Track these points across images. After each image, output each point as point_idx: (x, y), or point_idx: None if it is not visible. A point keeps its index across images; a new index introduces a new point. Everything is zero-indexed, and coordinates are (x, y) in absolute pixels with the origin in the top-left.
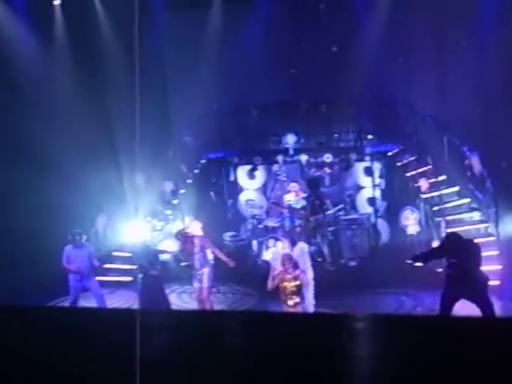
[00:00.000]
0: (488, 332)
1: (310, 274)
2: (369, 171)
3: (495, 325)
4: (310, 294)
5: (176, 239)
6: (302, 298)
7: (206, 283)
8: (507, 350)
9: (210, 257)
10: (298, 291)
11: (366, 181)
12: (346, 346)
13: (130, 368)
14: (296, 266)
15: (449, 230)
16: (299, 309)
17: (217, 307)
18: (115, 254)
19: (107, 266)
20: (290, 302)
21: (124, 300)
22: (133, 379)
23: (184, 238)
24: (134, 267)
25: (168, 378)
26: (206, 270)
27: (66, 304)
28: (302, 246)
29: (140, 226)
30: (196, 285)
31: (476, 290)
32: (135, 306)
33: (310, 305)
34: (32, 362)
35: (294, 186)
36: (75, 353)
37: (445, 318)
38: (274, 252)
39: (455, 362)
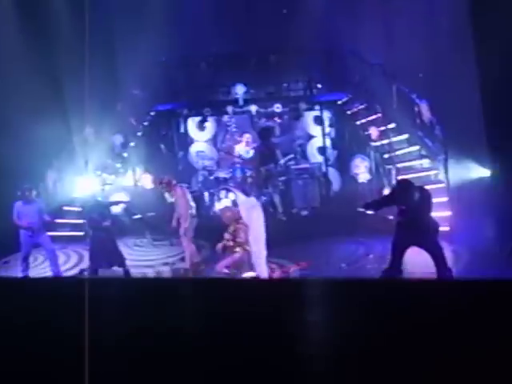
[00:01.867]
0: (435, 294)
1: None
2: (319, 120)
3: (443, 287)
4: (261, 245)
5: (161, 188)
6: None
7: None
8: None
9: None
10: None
11: (316, 130)
12: (296, 312)
13: (79, 339)
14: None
15: (399, 178)
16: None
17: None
18: (66, 208)
19: (58, 220)
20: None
21: (76, 255)
22: (81, 349)
23: (168, 186)
24: (85, 221)
25: (117, 347)
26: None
27: (18, 260)
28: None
29: (90, 180)
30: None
31: (427, 236)
32: (86, 261)
33: (261, 257)
34: None
35: (247, 136)
36: (22, 324)
37: (390, 280)
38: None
39: (403, 325)
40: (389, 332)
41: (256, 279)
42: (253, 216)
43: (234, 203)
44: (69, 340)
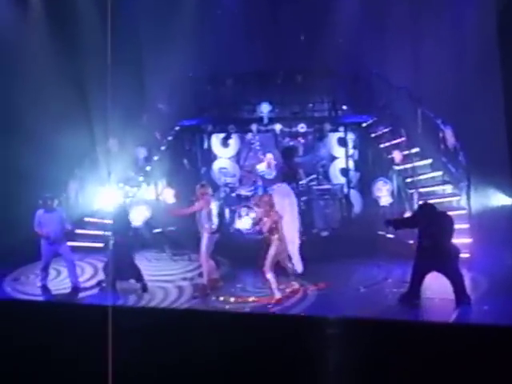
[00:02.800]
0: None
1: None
2: (342, 142)
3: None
4: (294, 233)
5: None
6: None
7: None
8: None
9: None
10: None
11: (339, 151)
12: (316, 350)
13: (103, 365)
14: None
15: (422, 201)
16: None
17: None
18: (87, 219)
19: (78, 231)
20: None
21: (94, 268)
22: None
23: (203, 193)
24: (106, 233)
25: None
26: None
27: (38, 269)
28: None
29: (112, 192)
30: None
31: (447, 262)
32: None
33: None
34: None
35: (269, 157)
36: (45, 349)
37: (409, 322)
38: None
39: (420, 367)
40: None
41: (276, 315)
42: (285, 203)
43: (255, 221)
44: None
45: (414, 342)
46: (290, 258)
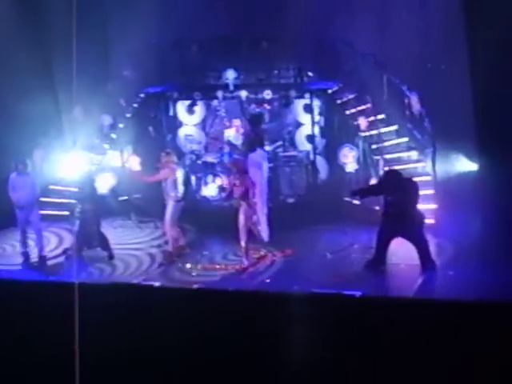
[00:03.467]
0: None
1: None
2: (308, 108)
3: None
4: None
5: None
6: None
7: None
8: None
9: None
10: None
11: (305, 118)
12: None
13: (70, 343)
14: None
15: (388, 168)
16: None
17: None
18: (52, 187)
19: (43, 199)
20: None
21: (59, 236)
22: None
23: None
24: (71, 201)
25: (107, 353)
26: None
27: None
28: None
29: (77, 160)
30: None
31: (412, 228)
32: (71, 241)
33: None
34: None
35: (236, 122)
36: (11, 327)
37: (369, 298)
38: None
39: (383, 343)
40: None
41: (246, 291)
42: (258, 170)
43: (221, 188)
44: (58, 345)
45: (380, 317)
46: (256, 226)
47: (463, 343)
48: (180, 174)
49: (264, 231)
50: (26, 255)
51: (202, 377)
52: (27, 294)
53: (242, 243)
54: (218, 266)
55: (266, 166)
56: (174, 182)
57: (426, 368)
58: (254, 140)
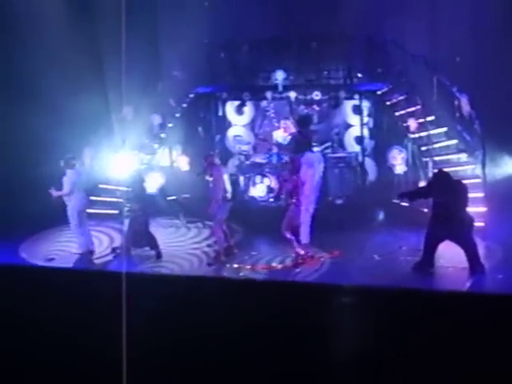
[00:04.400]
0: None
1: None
2: (357, 109)
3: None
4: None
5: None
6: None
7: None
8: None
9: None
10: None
11: (354, 119)
12: (328, 319)
13: (117, 332)
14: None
15: (436, 170)
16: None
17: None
18: (101, 186)
19: (93, 198)
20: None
21: (108, 235)
22: (119, 343)
23: (209, 165)
24: (120, 200)
25: (154, 344)
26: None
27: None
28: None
29: (127, 159)
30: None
31: (461, 230)
32: (120, 240)
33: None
34: (18, 322)
35: (285, 123)
36: (60, 315)
37: (420, 291)
38: None
39: (434, 336)
40: (411, 343)
41: (288, 282)
42: (309, 171)
43: (269, 189)
44: (106, 331)
45: (429, 310)
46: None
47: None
48: (227, 174)
49: (304, 233)
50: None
51: (249, 367)
52: (74, 282)
53: (287, 235)
54: (265, 267)
55: (319, 167)
56: (223, 182)
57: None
58: (301, 141)
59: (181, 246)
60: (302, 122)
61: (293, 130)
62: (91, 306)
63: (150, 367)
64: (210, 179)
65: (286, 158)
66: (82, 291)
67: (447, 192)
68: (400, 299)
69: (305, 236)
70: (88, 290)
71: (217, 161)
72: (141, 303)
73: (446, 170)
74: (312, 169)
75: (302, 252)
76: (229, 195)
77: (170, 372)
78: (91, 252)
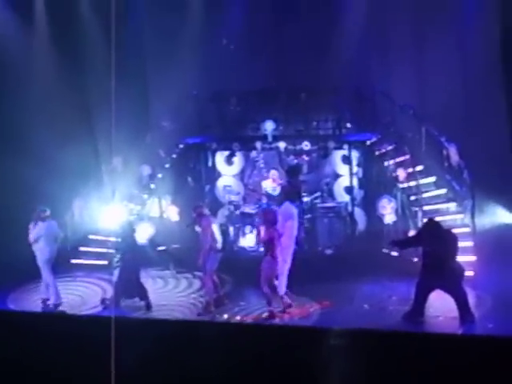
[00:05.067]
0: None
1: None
2: (347, 160)
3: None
4: (287, 255)
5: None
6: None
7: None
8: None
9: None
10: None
11: (343, 169)
12: (320, 361)
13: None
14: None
15: (426, 219)
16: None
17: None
18: (91, 237)
19: (83, 249)
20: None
21: (98, 285)
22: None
23: (198, 216)
24: (110, 251)
25: None
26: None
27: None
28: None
29: (117, 210)
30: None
31: (451, 280)
32: (110, 291)
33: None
34: (8, 366)
35: (273, 173)
36: (49, 359)
37: (420, 335)
38: None
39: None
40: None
41: (279, 325)
42: (287, 223)
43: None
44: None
45: (420, 353)
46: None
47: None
48: (216, 225)
49: (282, 284)
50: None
51: None
52: (64, 328)
53: (264, 290)
54: (255, 317)
55: (295, 219)
56: (211, 232)
57: None
58: (290, 191)
59: (171, 297)
60: (291, 173)
61: (279, 180)
62: (81, 350)
63: None
64: (199, 230)
65: (268, 208)
66: (71, 336)
67: (437, 241)
68: (391, 341)
69: (282, 287)
70: (78, 334)
71: (206, 211)
72: (130, 347)
73: (435, 219)
74: (291, 220)
75: (281, 305)
76: (218, 245)
77: None
78: (56, 305)
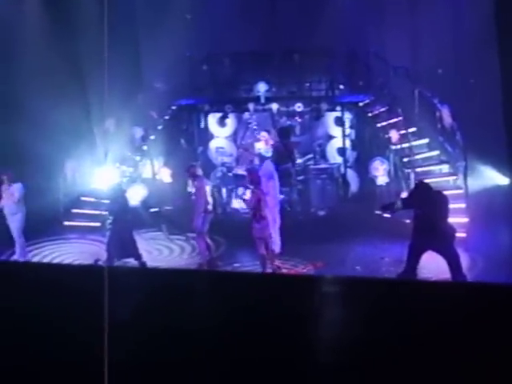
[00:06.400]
0: (451, 296)
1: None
2: (339, 121)
3: (460, 289)
4: (275, 213)
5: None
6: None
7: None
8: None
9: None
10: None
11: (336, 131)
12: (314, 309)
13: (99, 324)
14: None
15: (417, 181)
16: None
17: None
18: (83, 199)
19: (75, 211)
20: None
21: (92, 247)
22: (101, 337)
23: (192, 176)
24: (103, 213)
25: (136, 336)
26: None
27: None
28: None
29: (109, 172)
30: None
31: (442, 241)
32: (103, 252)
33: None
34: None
35: (264, 134)
36: (42, 310)
37: (410, 280)
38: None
39: (420, 326)
40: (399, 334)
41: (273, 274)
42: (268, 182)
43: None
44: (87, 326)
45: (414, 300)
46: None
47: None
48: (209, 186)
49: (275, 243)
50: None
51: (228, 361)
52: (56, 277)
53: (260, 251)
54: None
55: (275, 177)
56: (205, 193)
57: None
58: (283, 152)
59: (164, 258)
60: (283, 134)
61: (271, 141)
62: (74, 299)
63: (133, 363)
64: (193, 191)
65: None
66: (65, 285)
67: (428, 203)
68: (382, 289)
69: (277, 246)
70: (71, 283)
71: (199, 172)
72: (123, 296)
73: (426, 181)
74: (272, 180)
75: (280, 263)
76: (210, 207)
77: (153, 366)
78: None
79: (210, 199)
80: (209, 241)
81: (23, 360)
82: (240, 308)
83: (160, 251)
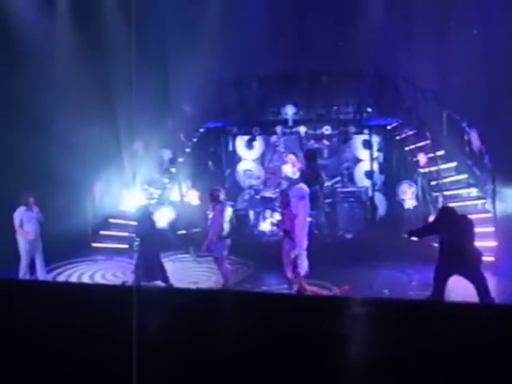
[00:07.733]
0: (479, 318)
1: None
2: (367, 144)
3: (486, 311)
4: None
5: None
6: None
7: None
8: (498, 336)
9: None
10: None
11: (364, 154)
12: (337, 329)
13: (127, 345)
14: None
15: (443, 205)
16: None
17: (215, 277)
18: (111, 220)
19: (103, 232)
20: None
21: (119, 268)
22: (129, 358)
23: (213, 200)
24: (130, 235)
25: (165, 355)
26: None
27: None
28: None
29: (137, 194)
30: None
31: (468, 265)
32: (130, 274)
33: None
34: (28, 337)
35: (291, 157)
36: (70, 331)
37: (438, 302)
38: None
39: (447, 348)
40: (426, 355)
41: (301, 295)
42: (299, 204)
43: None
44: (117, 347)
45: (441, 321)
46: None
47: None
48: (229, 212)
49: (303, 265)
50: None
51: (254, 381)
52: (85, 297)
53: (288, 275)
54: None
55: (307, 200)
56: (220, 219)
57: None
58: (310, 175)
59: (190, 281)
60: (309, 157)
61: (298, 164)
62: (103, 319)
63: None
64: (210, 215)
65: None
66: (93, 305)
67: (453, 227)
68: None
69: (305, 269)
70: (99, 303)
71: (222, 197)
72: (151, 315)
73: (455, 204)
74: (303, 201)
75: (307, 286)
76: (224, 233)
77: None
78: None
79: (226, 225)
80: (228, 266)
81: (54, 377)
82: (267, 328)
83: (186, 273)
